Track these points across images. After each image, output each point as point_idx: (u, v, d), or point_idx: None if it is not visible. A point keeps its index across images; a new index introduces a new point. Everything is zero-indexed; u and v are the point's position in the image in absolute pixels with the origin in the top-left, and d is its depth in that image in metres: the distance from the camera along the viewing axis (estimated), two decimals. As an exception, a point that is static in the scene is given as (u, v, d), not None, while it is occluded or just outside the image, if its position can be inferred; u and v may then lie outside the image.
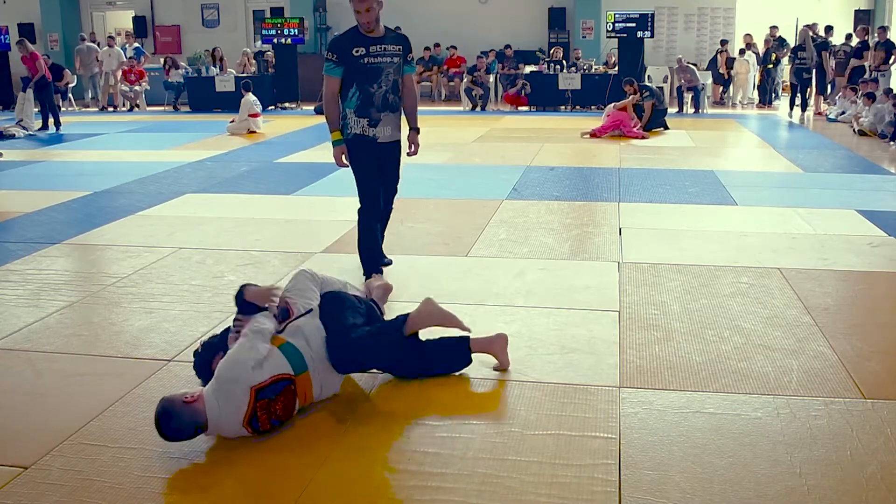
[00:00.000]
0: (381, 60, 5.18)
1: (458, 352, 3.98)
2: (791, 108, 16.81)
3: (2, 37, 19.56)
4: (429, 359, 3.93)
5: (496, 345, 4.04)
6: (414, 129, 5.62)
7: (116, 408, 3.72)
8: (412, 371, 3.92)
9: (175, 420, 3.26)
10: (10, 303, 5.20)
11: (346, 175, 9.90)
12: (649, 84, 14.70)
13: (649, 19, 17.45)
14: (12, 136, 14.09)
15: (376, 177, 5.39)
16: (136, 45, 21.31)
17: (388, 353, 3.82)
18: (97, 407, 3.71)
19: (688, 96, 17.20)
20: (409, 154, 5.62)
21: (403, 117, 5.53)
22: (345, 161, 5.32)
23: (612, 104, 13.68)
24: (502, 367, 4.03)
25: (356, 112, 5.23)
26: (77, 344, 4.53)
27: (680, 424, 3.48)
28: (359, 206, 5.44)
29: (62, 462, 3.25)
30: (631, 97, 13.40)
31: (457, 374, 4.00)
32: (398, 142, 5.48)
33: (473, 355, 3.99)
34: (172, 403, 3.29)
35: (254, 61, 19.98)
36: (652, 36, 17.84)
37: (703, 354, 4.22)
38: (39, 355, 4.37)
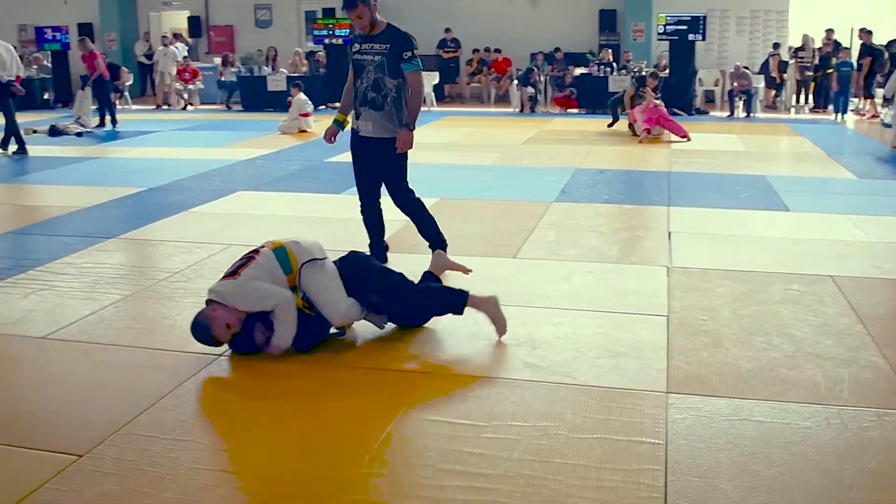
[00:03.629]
0: (364, 58, 5.40)
1: (454, 299, 4.50)
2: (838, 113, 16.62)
3: (62, 36, 19.97)
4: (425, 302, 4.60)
5: (489, 305, 4.50)
6: (404, 126, 5.49)
7: (167, 400, 3.78)
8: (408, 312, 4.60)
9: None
10: (66, 295, 5.32)
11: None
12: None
13: (701, 22, 17.26)
14: (77, 134, 14.35)
15: (358, 170, 5.72)
16: (180, 45, 21.43)
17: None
18: (149, 399, 3.78)
19: (739, 102, 17.00)
20: (395, 149, 5.53)
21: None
22: (333, 140, 5.68)
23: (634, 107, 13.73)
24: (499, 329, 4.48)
25: (352, 104, 5.59)
26: (130, 336, 4.62)
27: (728, 432, 3.45)
28: None
29: (115, 451, 3.32)
30: (649, 95, 13.49)
31: (503, 375, 4.01)
32: (382, 140, 5.51)
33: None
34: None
35: (305, 61, 20.15)
36: (703, 39, 17.65)
37: (753, 361, 4.18)
38: (94, 347, 4.46)
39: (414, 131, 5.55)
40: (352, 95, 5.58)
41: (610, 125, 14.73)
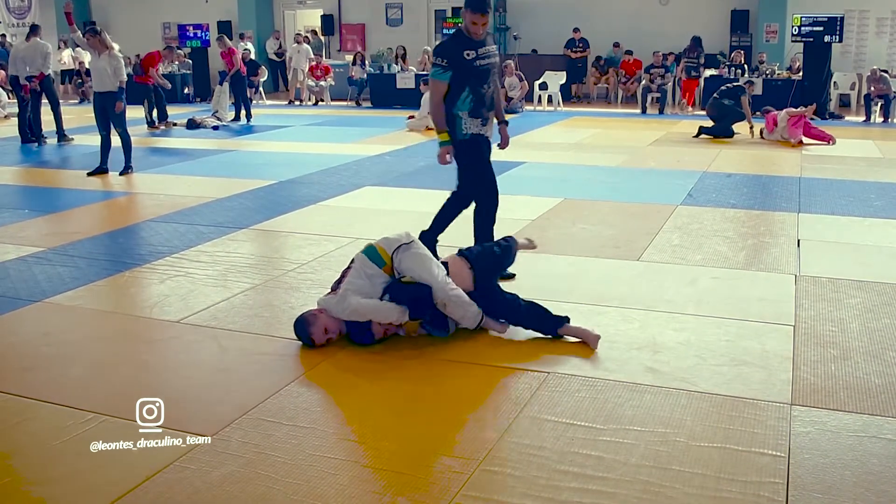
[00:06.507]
0: (488, 62, 5.37)
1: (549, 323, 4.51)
2: None
3: (203, 34, 20.78)
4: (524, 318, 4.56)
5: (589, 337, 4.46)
6: (504, 123, 5.74)
7: (292, 387, 3.92)
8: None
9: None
10: (200, 282, 5.55)
11: (523, 173, 9.96)
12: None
13: (838, 23, 16.54)
14: (214, 128, 14.92)
15: (492, 170, 5.64)
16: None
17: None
18: (274, 385, 3.92)
19: (876, 107, 16.26)
20: (500, 147, 5.76)
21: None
22: (448, 160, 5.46)
23: (786, 111, 13.19)
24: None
25: (470, 113, 5.38)
26: (258, 324, 4.79)
27: (854, 448, 3.33)
28: (461, 195, 5.71)
29: (241, 435, 3.46)
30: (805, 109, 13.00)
31: (623, 379, 3.99)
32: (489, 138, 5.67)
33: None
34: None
35: (434, 59, 20.34)
36: (840, 41, 16.91)
37: (883, 377, 4.01)
38: (224, 332, 4.65)
39: None
40: (462, 107, 5.35)
41: (698, 135, 13.42)
